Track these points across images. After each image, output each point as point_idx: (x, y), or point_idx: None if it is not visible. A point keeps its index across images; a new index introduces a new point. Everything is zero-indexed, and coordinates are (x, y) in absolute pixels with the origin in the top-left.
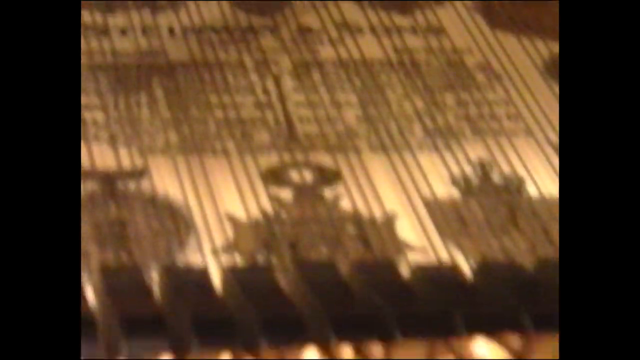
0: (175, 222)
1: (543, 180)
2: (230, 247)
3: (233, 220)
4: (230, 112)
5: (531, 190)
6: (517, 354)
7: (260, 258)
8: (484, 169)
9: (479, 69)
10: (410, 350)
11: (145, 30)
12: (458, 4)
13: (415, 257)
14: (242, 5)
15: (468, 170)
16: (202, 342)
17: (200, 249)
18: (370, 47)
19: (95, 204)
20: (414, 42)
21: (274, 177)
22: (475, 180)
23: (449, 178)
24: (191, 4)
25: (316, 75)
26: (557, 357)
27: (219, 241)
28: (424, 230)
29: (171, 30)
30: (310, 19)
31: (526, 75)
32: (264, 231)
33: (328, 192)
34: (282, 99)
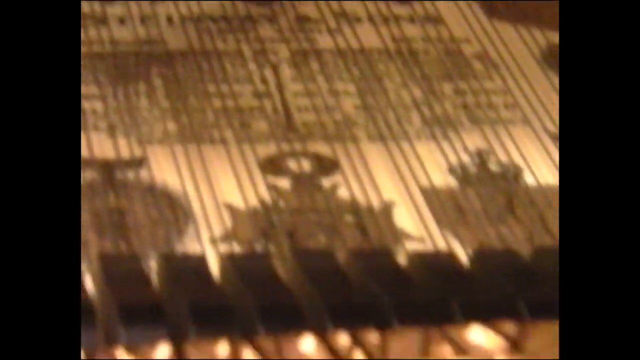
0: (173, 211)
1: (540, 169)
2: (228, 236)
3: (231, 209)
4: (228, 101)
5: (528, 178)
6: (512, 340)
7: (258, 247)
8: (481, 158)
9: (477, 58)
10: (406, 338)
11: (143, 20)
12: None
13: (412, 245)
14: None
15: (465, 159)
16: (200, 329)
17: (198, 237)
18: (369, 37)
19: (94, 192)
20: (412, 31)
21: (272, 166)
22: (472, 169)
23: (447, 167)
24: None
25: (314, 65)
26: (553, 344)
27: (217, 230)
28: (422, 218)
29: (170, 20)
30: (308, 8)
31: (523, 64)
32: (262, 220)
33: (326, 181)
34: (280, 88)
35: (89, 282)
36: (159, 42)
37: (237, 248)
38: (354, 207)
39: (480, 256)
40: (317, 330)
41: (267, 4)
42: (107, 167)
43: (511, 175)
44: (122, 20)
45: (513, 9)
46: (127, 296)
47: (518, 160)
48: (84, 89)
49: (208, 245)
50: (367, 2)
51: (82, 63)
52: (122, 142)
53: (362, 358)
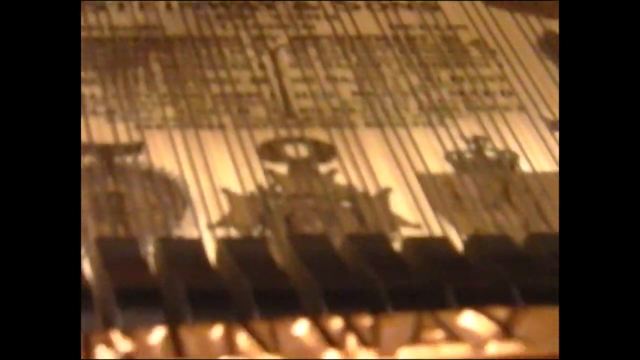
0: (171, 195)
1: (536, 156)
2: (225, 221)
3: (229, 194)
4: (226, 87)
5: (524, 165)
6: (504, 326)
7: (255, 232)
8: (477, 145)
9: (474, 45)
10: (398, 323)
11: (142, 5)
12: None
13: (408, 231)
14: None
15: (462, 145)
16: (196, 313)
17: (195, 222)
18: (366, 23)
19: (92, 177)
20: (410, 18)
21: (270, 151)
22: (469, 155)
23: (443, 153)
24: None
25: (312, 51)
26: (545, 330)
27: (215, 215)
28: (418, 204)
29: (168, 5)
30: None
31: (520, 51)
32: (259, 205)
33: (323, 167)
34: (278, 74)
35: (86, 266)
36: (157, 27)
37: (234, 233)
38: (350, 193)
39: (475, 242)
40: (312, 315)
41: None
42: (106, 152)
43: (507, 162)
44: (121, 6)
45: None
46: (124, 280)
47: (514, 147)
48: (83, 74)
49: (205, 230)
50: None
51: (81, 48)
52: (120, 127)
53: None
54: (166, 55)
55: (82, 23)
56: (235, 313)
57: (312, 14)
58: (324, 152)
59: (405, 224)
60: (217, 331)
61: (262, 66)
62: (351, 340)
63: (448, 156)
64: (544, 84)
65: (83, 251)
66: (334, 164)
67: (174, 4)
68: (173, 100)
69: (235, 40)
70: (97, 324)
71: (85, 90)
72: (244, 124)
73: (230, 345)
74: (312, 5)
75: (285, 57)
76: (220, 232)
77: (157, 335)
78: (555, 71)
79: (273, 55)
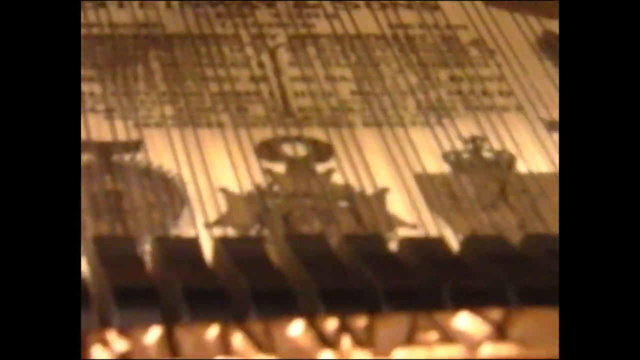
0: (169, 194)
1: (533, 157)
2: (223, 220)
3: (226, 193)
4: (225, 86)
5: (521, 166)
6: (498, 327)
7: (253, 231)
8: (475, 145)
9: (473, 45)
10: (393, 324)
11: (142, 2)
12: None
13: (405, 231)
14: None
15: (459, 145)
16: (193, 312)
17: (193, 221)
18: (366, 22)
19: (91, 175)
20: (409, 17)
21: (268, 150)
22: (466, 155)
23: (441, 153)
24: None
25: (311, 50)
26: (539, 331)
27: (212, 214)
28: (415, 205)
29: (168, 3)
30: None
31: (519, 51)
32: (257, 204)
33: (321, 167)
34: (277, 72)
35: (84, 264)
36: (157, 25)
37: (231, 232)
38: (348, 192)
39: (471, 243)
40: (308, 315)
41: None
42: (104, 150)
43: (504, 162)
44: (121, 3)
45: None
46: (121, 279)
47: (511, 147)
48: (82, 71)
49: (202, 229)
50: None
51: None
52: (119, 125)
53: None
54: (166, 53)
55: (82, 20)
56: (231, 312)
57: (312, 13)
58: (322, 151)
59: (402, 224)
60: (212, 331)
61: (261, 65)
62: (346, 341)
63: (445, 156)
64: (542, 84)
65: (81, 249)
66: (331, 164)
67: (174, 2)
68: (172, 98)
69: (235, 39)
70: (94, 323)
71: (84, 87)
72: (242, 123)
73: (225, 345)
74: (311, 4)
75: (284, 56)
76: (218, 231)
77: (153, 335)
78: (553, 72)
79: (272, 53)
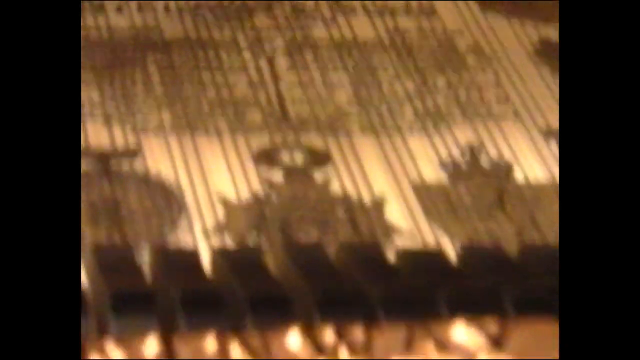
0: (167, 201)
1: (530, 165)
2: (220, 228)
3: (224, 200)
4: (223, 91)
5: (519, 174)
6: (494, 338)
7: (251, 239)
8: (472, 153)
9: (470, 52)
10: (390, 335)
11: (140, 7)
12: None
13: (402, 240)
14: None
15: (457, 153)
16: (190, 321)
17: (191, 229)
18: (363, 28)
19: (89, 182)
20: (406, 23)
21: (266, 158)
22: (463, 163)
23: (438, 161)
24: None
25: (309, 56)
26: (535, 343)
27: (210, 221)
28: (412, 213)
29: (166, 7)
30: None
31: (516, 58)
32: (255, 212)
33: (318, 174)
34: (275, 78)
35: (82, 272)
36: (155, 30)
37: (229, 240)
38: (345, 200)
39: (468, 252)
40: (304, 323)
41: None
42: (102, 157)
43: (502, 170)
44: (119, 8)
45: (506, 1)
46: (119, 287)
47: (509, 155)
48: (81, 76)
49: (200, 237)
50: None
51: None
52: (117, 132)
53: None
54: (163, 58)
55: (81, 25)
56: (229, 321)
57: (310, 19)
58: (320, 159)
59: (399, 232)
60: (209, 340)
61: (258, 70)
62: (343, 351)
63: (443, 164)
64: (539, 91)
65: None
66: (329, 171)
67: (172, 7)
68: (170, 103)
69: (233, 44)
70: (92, 330)
71: (82, 92)
72: (240, 129)
73: (223, 354)
74: (309, 10)
75: (282, 62)
76: (215, 239)
77: (150, 344)
78: (550, 79)
79: (270, 59)
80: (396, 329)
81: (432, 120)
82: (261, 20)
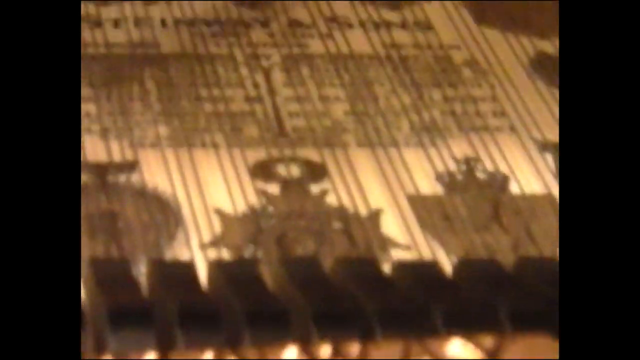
0: (164, 215)
1: (526, 177)
2: (217, 241)
3: (221, 214)
4: (220, 106)
5: (514, 187)
6: (490, 353)
7: (247, 252)
8: (468, 166)
9: (466, 65)
10: (387, 350)
11: (137, 22)
12: None
13: (398, 253)
14: None
15: (453, 166)
16: (187, 336)
17: (188, 242)
18: (359, 42)
19: (86, 195)
20: (402, 37)
21: (262, 171)
22: (459, 176)
23: (434, 174)
24: None
25: (305, 70)
26: (531, 357)
27: (207, 235)
28: (408, 226)
29: (163, 22)
30: (300, 13)
31: (511, 72)
32: (251, 225)
33: (315, 187)
34: (271, 93)
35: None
36: (152, 44)
37: (226, 253)
38: (342, 213)
39: (464, 265)
40: (300, 337)
41: (260, 7)
42: (100, 171)
43: (498, 183)
44: (116, 23)
45: (502, 15)
46: (117, 301)
47: (504, 168)
48: None
49: (197, 250)
50: (358, 7)
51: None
52: (114, 146)
53: None
54: (161, 73)
55: None
56: (226, 336)
57: (306, 33)
58: (316, 172)
59: (395, 245)
60: (207, 356)
61: (255, 84)
62: None
63: (439, 177)
64: (535, 104)
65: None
66: (325, 184)
67: (169, 21)
68: (167, 118)
69: (229, 58)
70: (90, 346)
71: (81, 107)
72: (236, 143)
73: None
74: (305, 24)
75: (278, 76)
76: (212, 253)
77: None
78: (546, 92)
79: (267, 73)
80: (392, 344)
81: (428, 133)
82: (258, 35)
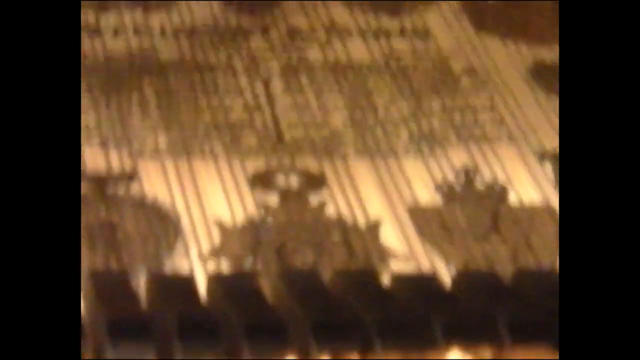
0: (163, 226)
1: (525, 187)
2: (216, 252)
3: (220, 224)
4: (219, 115)
5: (513, 197)
6: None
7: (247, 263)
8: (467, 176)
9: (465, 74)
10: None
11: (137, 31)
12: (445, 6)
13: (397, 264)
14: (233, 6)
15: (452, 176)
16: (186, 348)
17: (187, 253)
18: (358, 50)
19: (85, 205)
20: (402, 45)
21: (261, 181)
22: (458, 186)
23: (433, 184)
24: (182, 4)
25: (304, 79)
26: None
27: (206, 246)
28: (407, 236)
29: (163, 31)
30: (299, 21)
31: (510, 80)
32: (250, 236)
33: (314, 198)
34: (270, 102)
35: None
36: (151, 53)
37: (225, 264)
38: (341, 224)
39: (463, 277)
40: (299, 349)
41: (259, 15)
42: (99, 181)
43: (496, 193)
44: (115, 31)
45: (501, 22)
46: (116, 313)
47: (503, 178)
48: None
49: (196, 261)
50: (357, 15)
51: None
52: (113, 156)
53: None
54: (160, 81)
55: None
56: (225, 348)
57: (305, 41)
58: (315, 182)
59: (394, 256)
60: None
61: (254, 93)
62: None
63: (438, 187)
64: (533, 114)
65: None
66: (324, 195)
67: (168, 30)
68: (166, 127)
69: (229, 67)
70: (89, 357)
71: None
72: (235, 153)
73: None
74: (305, 33)
75: (277, 85)
76: (211, 264)
77: None
78: (545, 101)
79: (266, 82)
80: (391, 355)
81: (427, 142)
82: (257, 43)
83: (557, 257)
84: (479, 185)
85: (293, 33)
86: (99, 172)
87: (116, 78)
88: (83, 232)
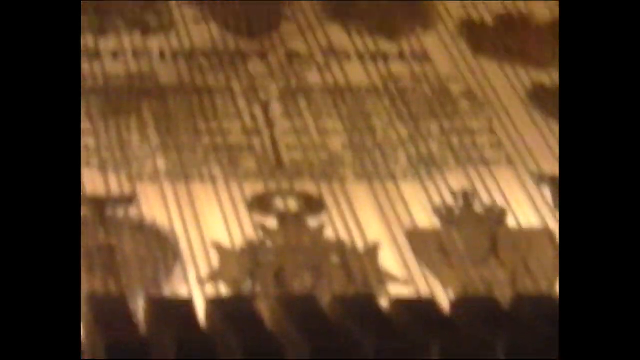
0: (162, 249)
1: (523, 211)
2: (215, 276)
3: (218, 248)
4: (217, 138)
5: (512, 220)
6: None
7: (245, 287)
8: (466, 199)
9: (463, 97)
10: None
11: (136, 54)
12: (443, 30)
13: (396, 288)
14: (231, 29)
15: (450, 200)
16: None
17: (185, 277)
18: (357, 74)
19: (84, 228)
20: (400, 68)
21: (260, 204)
22: (457, 210)
23: (431, 207)
24: (181, 28)
25: (303, 102)
26: None
27: (205, 269)
28: (406, 260)
29: (162, 54)
30: (297, 45)
31: (508, 103)
32: (249, 260)
33: (312, 221)
34: (269, 125)
35: None
36: (150, 76)
37: (223, 288)
38: (339, 247)
39: (462, 302)
40: None
41: (258, 39)
42: (98, 204)
43: (495, 216)
44: (114, 55)
45: (499, 46)
46: (114, 337)
47: (501, 201)
48: None
49: (195, 285)
50: (355, 38)
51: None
52: (112, 179)
53: None
54: (159, 105)
55: None
56: None
57: (304, 64)
58: (314, 205)
59: (393, 280)
60: None
61: (253, 117)
62: None
63: (436, 210)
64: (532, 137)
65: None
66: (323, 218)
67: (167, 53)
68: (164, 151)
69: (227, 91)
70: None
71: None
72: (234, 176)
73: None
74: (303, 56)
75: (276, 108)
76: (210, 287)
77: None
78: (543, 124)
79: (264, 106)
80: None
81: (426, 166)
82: (255, 66)
83: (555, 281)
84: (477, 208)
85: (292, 57)
86: (97, 194)
87: (115, 101)
88: (82, 256)
